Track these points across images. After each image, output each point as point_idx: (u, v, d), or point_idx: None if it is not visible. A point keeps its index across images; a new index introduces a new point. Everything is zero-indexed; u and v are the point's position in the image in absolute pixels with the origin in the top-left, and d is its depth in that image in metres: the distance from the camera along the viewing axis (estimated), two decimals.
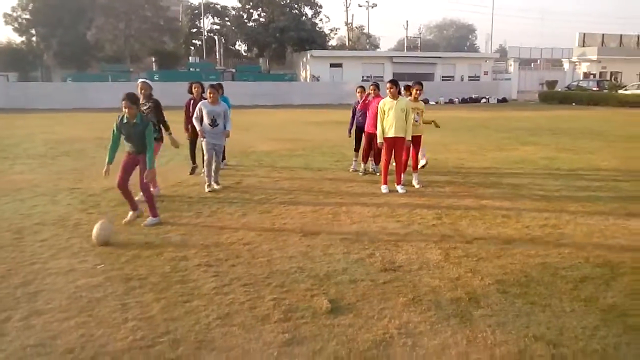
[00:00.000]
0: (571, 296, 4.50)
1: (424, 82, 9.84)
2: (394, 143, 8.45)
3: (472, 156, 12.36)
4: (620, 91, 38.80)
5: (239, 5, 54.22)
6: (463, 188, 8.88)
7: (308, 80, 44.69)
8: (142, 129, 6.39)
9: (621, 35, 58.79)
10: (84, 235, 6.22)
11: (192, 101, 9.68)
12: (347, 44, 61.07)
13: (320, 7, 56.42)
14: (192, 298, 4.48)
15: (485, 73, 49.48)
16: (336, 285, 4.75)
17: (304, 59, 47.01)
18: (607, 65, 53.93)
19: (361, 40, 68.93)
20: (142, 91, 8.08)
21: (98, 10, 45.68)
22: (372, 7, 65.38)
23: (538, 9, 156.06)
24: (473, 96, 42.80)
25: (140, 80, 8.36)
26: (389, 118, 8.33)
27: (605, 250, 5.67)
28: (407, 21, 78.31)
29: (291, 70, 48.70)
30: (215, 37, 49.32)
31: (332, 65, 45.27)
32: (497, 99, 42.82)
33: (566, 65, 57.32)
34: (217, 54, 46.47)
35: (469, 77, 48.48)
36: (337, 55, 48.08)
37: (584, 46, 55.75)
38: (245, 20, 54.64)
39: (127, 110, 6.32)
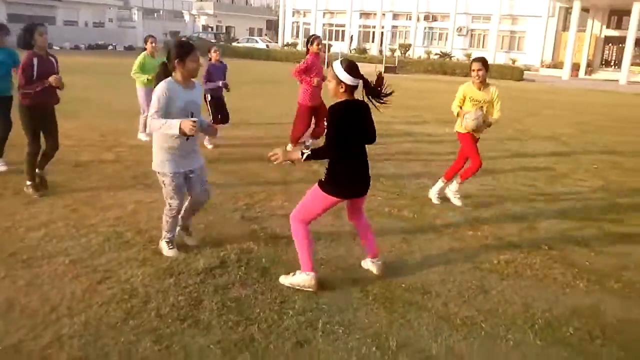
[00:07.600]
0: None
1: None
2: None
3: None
4: (233, 43, 44.01)
5: None
6: None
7: None
8: None
9: None
10: None
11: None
12: None
13: None
14: None
15: (111, 20, 49.27)
16: None
17: None
18: (223, 19, 59.80)
19: None
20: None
21: None
22: None
23: None
24: (99, 43, 42.37)
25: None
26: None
27: None
28: None
29: None
30: None
31: None
32: (124, 46, 43.46)
33: (187, 17, 61.06)
34: None
35: (94, 23, 47.52)
36: None
37: (202, 0, 60.17)
38: None
39: None
